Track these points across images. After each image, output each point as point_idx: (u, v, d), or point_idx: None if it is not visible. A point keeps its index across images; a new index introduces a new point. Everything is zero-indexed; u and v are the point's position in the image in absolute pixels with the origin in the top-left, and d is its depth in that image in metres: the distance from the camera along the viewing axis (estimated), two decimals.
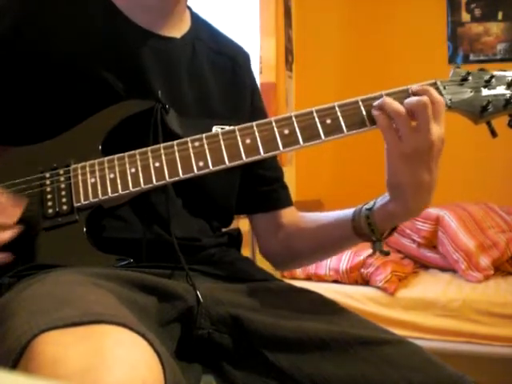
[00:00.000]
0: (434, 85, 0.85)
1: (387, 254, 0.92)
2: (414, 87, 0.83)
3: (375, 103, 0.82)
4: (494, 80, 0.86)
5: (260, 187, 1.04)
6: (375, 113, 0.81)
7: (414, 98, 0.80)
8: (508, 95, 0.85)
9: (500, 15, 3.16)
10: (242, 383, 0.80)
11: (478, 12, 3.20)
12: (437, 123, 0.80)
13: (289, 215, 1.05)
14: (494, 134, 0.86)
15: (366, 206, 0.90)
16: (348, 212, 0.94)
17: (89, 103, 0.86)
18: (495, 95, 0.85)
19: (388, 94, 0.83)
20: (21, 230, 0.79)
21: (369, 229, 0.89)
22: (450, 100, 0.84)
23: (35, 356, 0.54)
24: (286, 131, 0.83)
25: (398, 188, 0.84)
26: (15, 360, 0.55)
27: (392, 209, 0.87)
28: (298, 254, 1.04)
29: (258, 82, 2.86)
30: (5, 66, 0.87)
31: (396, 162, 0.82)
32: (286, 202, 1.06)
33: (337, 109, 0.83)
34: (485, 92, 0.86)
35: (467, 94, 0.86)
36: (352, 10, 3.37)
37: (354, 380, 0.77)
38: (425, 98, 0.79)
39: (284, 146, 0.83)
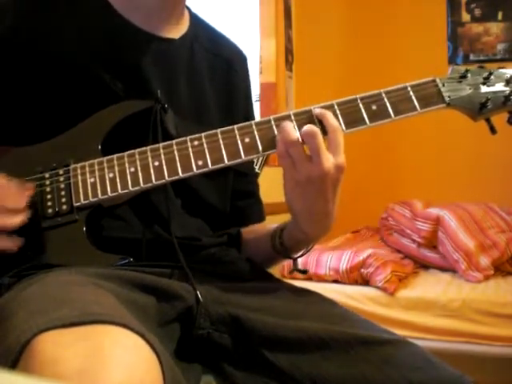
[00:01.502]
0: (433, 82, 0.85)
1: (304, 272, 0.95)
2: (316, 110, 0.82)
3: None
4: (492, 77, 0.86)
5: (237, 201, 1.04)
6: (277, 137, 0.81)
7: (305, 127, 0.79)
8: (507, 92, 0.85)
9: (500, 15, 3.16)
10: (242, 383, 0.80)
11: (478, 12, 3.20)
12: (332, 152, 0.79)
13: (252, 226, 1.06)
14: (493, 130, 0.86)
15: (281, 226, 0.92)
16: (272, 228, 0.95)
17: (88, 103, 0.86)
18: (494, 92, 0.85)
19: (295, 114, 0.82)
20: (30, 215, 0.79)
21: (281, 248, 0.92)
22: (449, 97, 0.84)
23: (34, 356, 0.53)
24: None
25: (293, 213, 0.85)
26: (14, 360, 0.54)
27: (293, 232, 0.89)
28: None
29: (258, 82, 2.86)
30: (4, 65, 0.87)
31: (290, 189, 0.82)
32: (258, 218, 1.07)
33: (336, 107, 0.83)
34: (484, 89, 0.85)
35: (466, 90, 0.85)
36: (352, 10, 3.37)
37: (355, 380, 0.77)
38: (312, 129, 0.78)
39: None
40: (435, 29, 3.23)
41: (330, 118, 0.81)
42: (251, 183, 1.08)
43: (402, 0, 3.26)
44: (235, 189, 1.03)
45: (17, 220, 0.78)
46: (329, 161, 0.78)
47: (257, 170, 1.15)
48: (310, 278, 2.50)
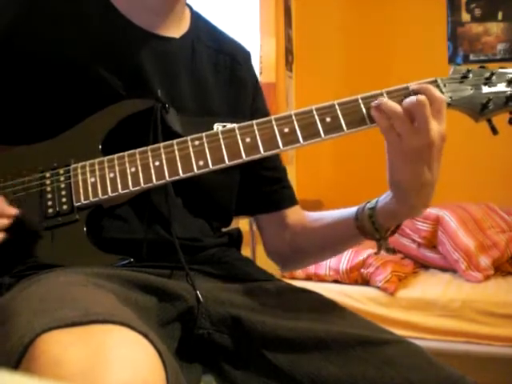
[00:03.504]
0: (435, 82, 0.85)
1: (394, 251, 0.92)
2: (414, 86, 0.82)
3: (373, 103, 0.82)
4: (494, 77, 0.86)
5: (262, 188, 1.04)
6: (374, 113, 0.81)
7: (411, 98, 0.80)
8: (508, 92, 0.85)
9: (500, 15, 3.16)
10: (242, 383, 0.80)
11: (478, 12, 3.20)
12: (437, 121, 0.79)
13: (293, 214, 1.05)
14: (494, 131, 0.86)
15: (369, 205, 0.90)
16: (351, 210, 0.93)
17: (88, 103, 0.86)
18: (496, 92, 0.85)
19: (388, 92, 0.83)
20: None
21: (373, 227, 0.89)
22: (451, 98, 0.84)
23: (37, 356, 0.53)
24: (286, 130, 0.82)
25: (400, 186, 0.84)
26: (17, 360, 0.54)
27: (394, 207, 0.86)
28: (303, 253, 1.04)
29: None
30: (4, 65, 0.87)
31: (397, 161, 0.82)
32: (289, 202, 1.06)
33: (337, 107, 0.83)
34: (485, 89, 0.85)
35: (467, 91, 0.85)
36: (352, 10, 3.37)
37: (354, 380, 0.77)
38: (422, 98, 0.79)
39: (284, 145, 0.82)
40: (435, 29, 3.23)
41: (433, 90, 0.81)
42: (275, 168, 1.07)
43: (402, 0, 3.27)
44: (260, 175, 1.03)
45: (3, 222, 0.77)
46: (435, 129, 0.78)
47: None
48: (310, 278, 2.50)
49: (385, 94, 0.83)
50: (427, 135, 0.78)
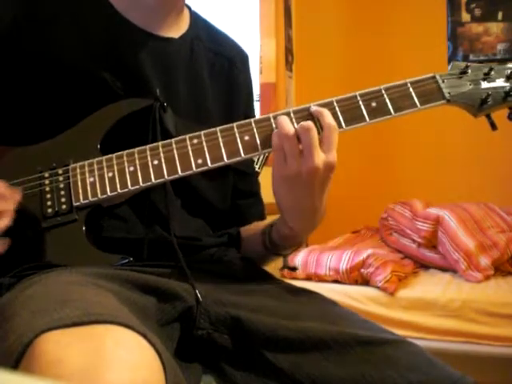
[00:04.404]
0: (433, 78, 0.85)
1: (294, 269, 0.95)
2: (314, 107, 0.82)
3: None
4: (493, 72, 0.85)
5: (238, 200, 1.05)
6: (273, 133, 0.81)
7: (301, 123, 0.79)
8: (507, 87, 0.85)
9: (500, 15, 3.16)
10: (242, 383, 0.80)
11: (478, 12, 3.20)
12: (324, 149, 0.79)
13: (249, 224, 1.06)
14: (493, 126, 0.86)
15: (271, 223, 0.93)
16: (263, 225, 0.96)
17: (87, 102, 0.86)
18: (494, 88, 0.85)
19: (295, 112, 0.82)
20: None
21: (270, 245, 0.92)
22: (449, 93, 0.84)
23: (36, 356, 0.53)
24: None
25: (281, 209, 0.86)
26: (17, 360, 0.54)
27: (280, 228, 0.89)
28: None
29: (258, 82, 2.86)
30: (4, 64, 0.87)
31: (278, 184, 0.83)
32: (259, 217, 1.07)
33: (335, 104, 0.83)
34: (484, 85, 0.85)
35: (466, 86, 0.85)
36: (352, 10, 3.37)
37: (354, 380, 0.77)
38: (307, 124, 0.78)
39: None
40: (435, 29, 3.23)
41: (326, 115, 0.81)
42: (252, 183, 1.09)
43: (402, 0, 3.27)
44: (236, 188, 1.04)
45: (4, 222, 0.76)
46: (319, 157, 0.78)
47: (257, 170, 1.15)
48: (310, 278, 2.50)
49: (383, 91, 0.83)
50: (309, 161, 0.78)
